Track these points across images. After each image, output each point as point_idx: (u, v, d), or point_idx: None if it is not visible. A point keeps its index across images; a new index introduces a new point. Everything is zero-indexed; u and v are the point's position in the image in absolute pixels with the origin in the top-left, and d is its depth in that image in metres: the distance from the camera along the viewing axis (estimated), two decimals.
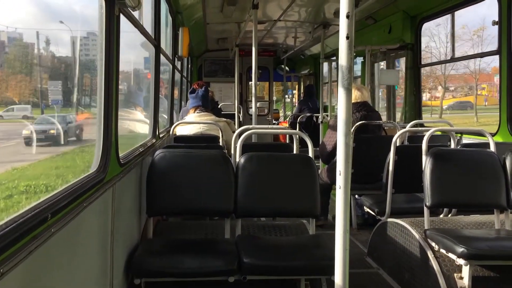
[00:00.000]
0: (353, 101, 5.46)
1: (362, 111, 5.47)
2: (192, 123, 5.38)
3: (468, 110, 30.05)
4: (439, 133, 5.10)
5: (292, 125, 9.88)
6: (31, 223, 1.52)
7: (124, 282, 2.95)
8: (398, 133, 4.40)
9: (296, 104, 12.25)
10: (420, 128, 5.43)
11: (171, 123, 6.39)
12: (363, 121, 5.38)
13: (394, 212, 4.25)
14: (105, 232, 2.52)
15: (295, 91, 16.92)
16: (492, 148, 3.92)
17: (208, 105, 5.68)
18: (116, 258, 2.70)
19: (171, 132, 5.36)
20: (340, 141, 2.06)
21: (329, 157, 5.58)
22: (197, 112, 5.47)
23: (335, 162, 5.49)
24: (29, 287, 1.55)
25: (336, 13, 7.60)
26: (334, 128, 5.44)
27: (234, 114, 8.86)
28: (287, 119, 11.55)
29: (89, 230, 2.25)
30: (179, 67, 7.95)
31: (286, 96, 17.24)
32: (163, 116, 6.75)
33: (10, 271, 1.35)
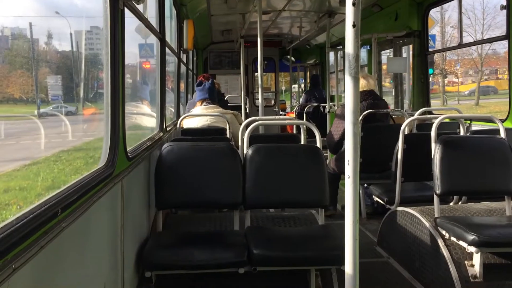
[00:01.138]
0: (362, 89, 5.43)
1: (369, 99, 5.43)
2: (199, 115, 5.38)
3: (492, 96, 28.99)
4: (448, 120, 5.06)
5: (299, 116, 9.84)
6: (42, 218, 1.53)
7: (135, 275, 2.97)
8: (407, 121, 4.37)
9: (303, 94, 12.21)
10: (428, 116, 5.39)
11: (178, 116, 6.39)
12: (370, 110, 5.34)
13: (404, 201, 4.23)
14: (115, 226, 2.53)
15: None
16: (502, 134, 3.88)
17: (215, 97, 5.68)
18: (127, 252, 2.72)
19: (178, 125, 5.36)
20: (348, 130, 2.04)
21: (337, 146, 5.55)
22: (204, 105, 5.47)
23: (343, 152, 5.50)
24: (41, 282, 1.56)
25: (342, 1, 7.52)
26: (341, 117, 5.41)
27: (241, 105, 8.85)
28: (294, 109, 11.51)
29: (99, 225, 2.26)
30: (184, 60, 7.94)
31: (296, 85, 17.15)
32: (170, 109, 6.75)
33: (21, 266, 1.36)
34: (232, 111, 5.53)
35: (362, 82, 5.49)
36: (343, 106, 5.56)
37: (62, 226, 1.68)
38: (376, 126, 5.47)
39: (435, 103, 27.71)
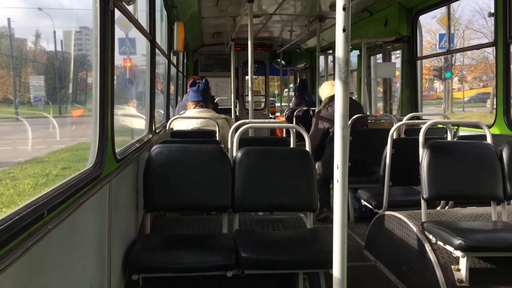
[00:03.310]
0: (332, 94, 5.58)
1: None
2: (190, 118, 5.35)
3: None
4: (438, 125, 5.12)
5: (289, 119, 9.88)
6: (27, 220, 1.51)
7: (122, 278, 2.95)
8: (395, 126, 4.40)
9: (293, 98, 12.28)
10: (417, 121, 5.43)
11: (167, 118, 6.37)
12: (360, 115, 5.41)
13: (391, 205, 4.26)
14: (102, 228, 2.51)
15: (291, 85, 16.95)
16: (489, 140, 3.93)
17: (209, 99, 5.60)
18: (114, 254, 2.70)
19: (167, 127, 5.34)
20: (337, 134, 2.05)
21: (317, 152, 5.62)
22: (197, 108, 5.40)
23: (328, 157, 5.56)
24: (26, 284, 1.54)
25: (332, 6, 7.57)
26: (319, 120, 5.50)
27: (230, 108, 8.86)
28: (284, 113, 11.56)
29: (86, 227, 2.24)
30: (174, 61, 7.92)
31: (286, 89, 17.25)
32: (159, 111, 6.71)
33: (6, 268, 1.34)
34: (224, 116, 5.49)
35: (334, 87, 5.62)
36: (326, 107, 5.61)
37: (48, 228, 1.66)
38: (365, 130, 5.52)
39: (436, 109, 27.30)
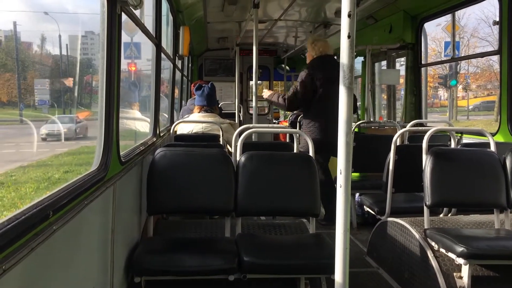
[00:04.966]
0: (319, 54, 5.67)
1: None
2: (194, 122, 5.36)
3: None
4: (441, 132, 5.12)
5: (292, 125, 9.88)
6: (33, 220, 1.53)
7: (124, 280, 2.96)
8: (399, 132, 4.40)
9: None
10: (420, 128, 5.43)
11: (171, 122, 6.39)
12: (364, 121, 5.42)
13: (394, 211, 4.26)
14: (106, 230, 2.53)
15: None
16: (493, 148, 3.93)
17: (214, 104, 5.60)
18: (117, 256, 2.71)
19: (171, 131, 5.36)
20: (341, 140, 2.06)
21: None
22: (202, 113, 5.42)
23: (308, 124, 5.53)
24: (30, 284, 1.55)
25: (337, 13, 7.59)
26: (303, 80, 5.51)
27: (234, 113, 8.88)
28: (287, 118, 11.56)
29: (90, 228, 2.26)
30: (179, 66, 7.95)
31: None
32: (163, 115, 6.74)
33: (12, 268, 1.36)
34: (229, 121, 5.50)
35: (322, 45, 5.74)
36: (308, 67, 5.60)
37: (53, 229, 1.67)
38: (369, 136, 5.52)
39: (440, 117, 27.19)
